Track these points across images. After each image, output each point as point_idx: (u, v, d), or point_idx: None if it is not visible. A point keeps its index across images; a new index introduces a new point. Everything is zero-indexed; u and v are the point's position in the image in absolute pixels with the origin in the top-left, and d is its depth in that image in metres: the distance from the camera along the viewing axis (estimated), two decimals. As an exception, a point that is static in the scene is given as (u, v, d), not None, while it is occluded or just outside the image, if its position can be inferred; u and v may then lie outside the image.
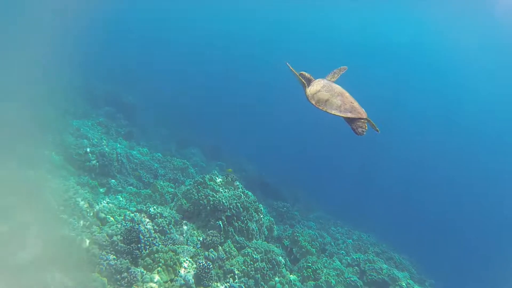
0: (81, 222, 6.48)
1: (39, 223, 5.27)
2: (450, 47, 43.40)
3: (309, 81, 4.13)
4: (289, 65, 4.15)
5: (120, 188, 9.85)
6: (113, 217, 7.44)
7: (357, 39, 53.59)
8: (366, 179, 24.26)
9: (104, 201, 7.96)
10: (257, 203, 9.00)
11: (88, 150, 10.07)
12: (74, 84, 15.87)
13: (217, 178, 8.91)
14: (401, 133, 33.44)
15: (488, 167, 31.35)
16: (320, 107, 3.70)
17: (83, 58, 21.36)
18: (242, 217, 8.37)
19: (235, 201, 8.32)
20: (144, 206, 7.52)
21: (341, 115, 3.56)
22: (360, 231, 15.73)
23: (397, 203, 21.82)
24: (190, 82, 32.72)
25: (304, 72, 4.21)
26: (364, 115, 3.53)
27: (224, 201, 8.07)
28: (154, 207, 7.55)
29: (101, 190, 9.54)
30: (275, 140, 25.94)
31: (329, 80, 4.12)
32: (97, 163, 10.03)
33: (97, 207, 7.30)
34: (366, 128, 3.50)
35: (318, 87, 3.86)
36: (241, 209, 8.35)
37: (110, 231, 6.49)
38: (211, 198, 8.08)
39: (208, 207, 8.04)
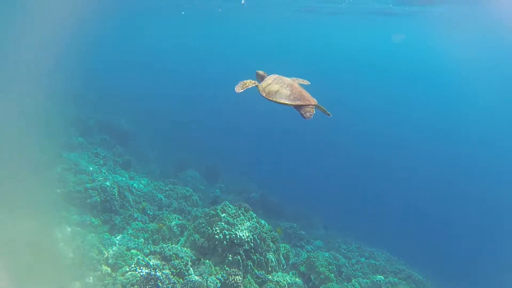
0: (92, 274, 5.93)
1: (50, 283, 4.73)
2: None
3: (262, 78, 4.33)
4: (239, 90, 4.25)
5: (124, 225, 9.28)
6: (124, 261, 6.90)
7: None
8: (362, 188, 24.12)
9: (112, 245, 7.40)
10: (273, 232, 8.58)
11: (88, 186, 9.51)
12: (65, 114, 15.27)
13: (229, 209, 8.47)
14: (399, 141, 33.73)
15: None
16: (270, 98, 3.86)
17: (69, 87, 20.87)
18: (259, 249, 7.94)
19: (251, 233, 7.89)
20: (158, 248, 7.00)
21: (290, 103, 3.72)
22: (368, 245, 15.44)
23: (397, 211, 21.61)
24: (180, 102, 32.29)
25: (259, 71, 4.45)
26: (313, 102, 3.72)
27: (240, 234, 7.64)
28: (169, 247, 7.04)
29: (105, 228, 8.95)
30: (273, 156, 25.62)
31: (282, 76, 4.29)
32: (99, 199, 9.47)
33: (106, 253, 6.75)
34: (314, 112, 3.66)
35: (269, 81, 4.06)
36: (258, 241, 7.93)
37: (124, 280, 5.96)
38: (226, 232, 7.63)
39: (225, 242, 7.58)
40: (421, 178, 26.20)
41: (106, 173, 10.86)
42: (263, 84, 4.11)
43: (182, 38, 54.97)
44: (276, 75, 4.21)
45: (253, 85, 4.26)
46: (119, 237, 8.25)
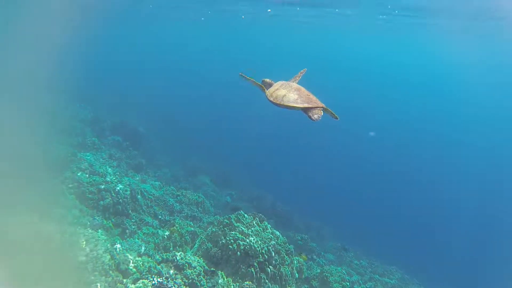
0: (104, 280, 5.75)
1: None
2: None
3: (270, 85, 4.42)
4: (243, 75, 4.40)
5: (136, 229, 9.13)
6: (135, 268, 6.71)
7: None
8: (374, 201, 23.62)
9: (124, 250, 7.24)
10: (288, 245, 8.31)
11: (101, 187, 9.41)
12: (80, 114, 15.36)
13: (244, 218, 8.24)
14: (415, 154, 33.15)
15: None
16: (278, 102, 3.92)
17: (84, 87, 21.11)
18: (274, 262, 7.67)
19: (266, 244, 7.64)
20: (170, 256, 6.80)
21: (298, 106, 3.78)
22: (379, 261, 15.02)
23: (411, 226, 21.04)
24: (193, 106, 32.40)
25: (265, 79, 4.54)
26: (321, 105, 3.79)
27: (255, 245, 7.39)
28: (181, 255, 6.83)
29: (116, 231, 8.80)
30: (285, 163, 25.36)
31: (289, 81, 4.38)
32: (111, 202, 9.35)
33: (118, 258, 6.58)
34: (322, 114, 3.73)
35: (277, 87, 4.17)
36: (273, 253, 7.66)
37: (136, 288, 5.77)
38: (241, 243, 7.40)
39: (238, 253, 7.35)
40: (435, 192, 25.56)
41: (119, 175, 10.77)
42: (271, 89, 4.19)
43: (199, 43, 55.49)
44: (283, 81, 4.29)
45: (259, 85, 4.39)
46: (131, 241, 8.08)
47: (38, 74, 14.35)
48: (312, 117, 3.73)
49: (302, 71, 4.73)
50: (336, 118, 3.95)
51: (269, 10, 19.42)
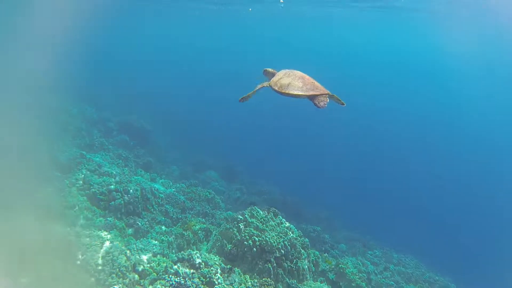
0: (121, 282, 5.68)
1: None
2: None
3: (272, 75, 4.33)
4: (243, 99, 4.37)
5: (148, 228, 9.06)
6: (151, 268, 6.64)
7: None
8: (383, 190, 23.40)
9: (138, 250, 7.17)
10: (303, 238, 8.20)
11: (112, 188, 9.33)
12: (86, 115, 15.27)
13: (258, 214, 8.13)
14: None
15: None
16: (283, 91, 3.84)
17: (88, 87, 21.00)
18: (290, 257, 7.56)
19: (282, 239, 7.52)
20: (186, 255, 6.70)
21: (303, 93, 3.72)
22: (392, 250, 14.88)
23: (422, 214, 20.80)
24: (197, 102, 32.24)
25: (267, 68, 4.47)
26: (326, 91, 3.72)
27: (271, 241, 7.28)
28: (197, 254, 6.74)
29: (129, 231, 8.75)
30: (292, 155, 25.15)
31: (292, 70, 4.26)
32: (123, 202, 9.28)
33: (133, 259, 6.50)
34: (327, 101, 3.68)
35: (280, 75, 4.09)
36: (289, 248, 7.55)
37: (154, 289, 5.69)
38: (256, 239, 7.29)
39: (254, 249, 7.24)
40: (447, 182, 25.23)
41: (129, 175, 10.69)
42: (274, 79, 4.11)
43: (204, 38, 55.05)
44: (287, 70, 4.20)
45: (262, 87, 4.28)
46: (144, 241, 8.02)
47: (42, 74, 14.26)
48: (318, 105, 3.68)
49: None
50: (343, 104, 3.90)
51: (282, 0, 19.01)
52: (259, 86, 4.36)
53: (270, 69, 4.47)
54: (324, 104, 3.67)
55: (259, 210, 8.32)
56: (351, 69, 55.76)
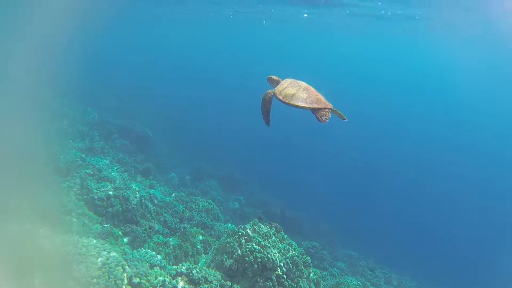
0: (117, 295, 5.41)
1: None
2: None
3: (277, 83, 4.34)
4: (267, 121, 4.49)
5: (146, 237, 8.78)
6: (148, 282, 6.37)
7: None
8: (383, 208, 23.17)
9: (135, 260, 6.90)
10: (305, 256, 7.94)
11: (111, 194, 9.09)
12: (86, 118, 15.08)
13: (260, 228, 7.88)
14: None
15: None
16: (287, 101, 3.87)
17: (89, 90, 20.89)
18: (292, 275, 7.30)
19: (284, 257, 7.28)
20: (185, 269, 6.45)
21: (307, 106, 3.74)
22: (392, 270, 14.61)
23: (423, 234, 20.51)
24: (199, 107, 32.12)
25: (272, 76, 4.49)
26: (329, 106, 3.74)
27: (273, 258, 7.03)
28: (197, 269, 6.48)
29: (125, 240, 8.48)
30: (292, 167, 24.93)
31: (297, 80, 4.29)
32: (121, 209, 9.03)
33: (130, 271, 6.24)
34: (330, 116, 3.70)
35: (285, 85, 4.08)
36: (291, 266, 7.30)
37: (150, 305, 5.42)
38: (258, 255, 7.04)
39: (255, 265, 6.98)
40: (448, 198, 25.01)
41: (128, 181, 10.44)
42: (279, 87, 4.12)
43: (207, 45, 55.29)
44: (292, 79, 4.21)
45: (271, 99, 4.28)
46: (141, 251, 7.73)
47: (43, 76, 14.12)
48: (320, 119, 3.69)
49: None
50: (344, 119, 3.91)
51: (305, 15, 19.07)
52: (267, 102, 4.35)
53: (275, 77, 4.47)
54: (326, 118, 3.68)
55: (261, 224, 8.08)
56: (357, 82, 56.09)
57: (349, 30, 29.02)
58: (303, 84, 4.06)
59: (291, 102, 3.84)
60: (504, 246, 19.59)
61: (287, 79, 4.30)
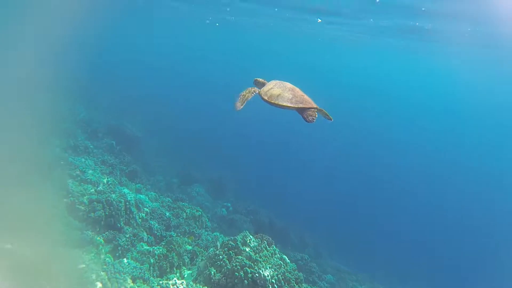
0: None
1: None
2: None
3: (263, 85, 4.32)
4: (239, 106, 4.17)
5: (129, 246, 8.27)
6: (130, 296, 5.90)
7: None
8: (372, 217, 23.07)
9: (116, 272, 6.42)
10: (297, 272, 7.60)
11: (93, 198, 8.56)
12: (74, 115, 14.44)
13: (251, 242, 7.51)
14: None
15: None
16: (272, 101, 3.84)
17: (78, 88, 20.16)
18: (283, 292, 6.93)
19: (276, 272, 6.91)
20: (170, 283, 6.01)
21: (292, 105, 3.70)
22: (380, 284, 14.49)
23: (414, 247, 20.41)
24: (188, 110, 31.59)
25: (258, 78, 4.45)
26: (315, 105, 3.72)
27: (265, 274, 6.66)
28: (184, 284, 6.05)
29: (107, 248, 7.95)
30: (280, 173, 24.66)
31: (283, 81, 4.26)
32: (103, 214, 8.49)
33: (109, 286, 5.76)
34: (316, 116, 3.65)
35: (271, 86, 4.08)
36: (283, 282, 6.93)
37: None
38: (248, 270, 6.65)
39: (246, 281, 6.60)
40: (446, 215, 25.10)
41: (112, 184, 9.91)
42: (265, 88, 4.11)
43: (201, 47, 54.82)
44: (277, 81, 4.21)
45: (254, 94, 4.21)
46: (123, 262, 7.24)
47: (30, 73, 13.46)
48: (307, 119, 3.65)
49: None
50: (330, 119, 3.89)
51: (319, 20, 18.87)
52: (249, 92, 4.24)
53: (260, 79, 4.45)
54: (313, 118, 3.63)
55: (251, 237, 7.70)
56: (349, 89, 56.57)
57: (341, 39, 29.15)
58: (289, 85, 4.05)
59: (276, 102, 3.81)
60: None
61: (272, 80, 4.28)
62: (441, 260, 18.95)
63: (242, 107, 4.18)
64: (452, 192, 28.95)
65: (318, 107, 3.77)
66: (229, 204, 16.58)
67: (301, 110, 3.74)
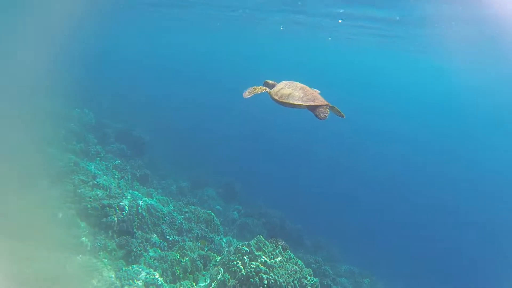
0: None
1: None
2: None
3: (273, 86, 4.33)
4: (247, 95, 4.23)
5: (142, 251, 8.19)
6: (143, 304, 5.79)
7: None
8: (386, 218, 22.64)
9: (129, 279, 6.32)
10: (313, 277, 7.39)
11: (105, 203, 8.50)
12: (83, 120, 14.50)
13: (265, 247, 7.33)
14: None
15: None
16: (284, 100, 3.83)
17: (87, 92, 20.34)
18: (299, 299, 6.74)
19: (292, 278, 6.73)
20: (185, 290, 5.87)
21: (304, 103, 3.69)
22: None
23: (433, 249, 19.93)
24: (199, 113, 31.62)
25: (268, 80, 4.46)
26: (326, 102, 3.70)
27: (280, 280, 6.48)
28: (198, 291, 5.91)
29: (120, 253, 7.87)
30: (291, 175, 24.40)
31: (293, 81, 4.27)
32: (116, 219, 8.43)
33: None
34: (328, 112, 3.62)
35: (281, 86, 4.10)
36: (299, 289, 6.75)
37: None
38: (264, 276, 6.48)
39: (261, 287, 6.43)
40: (460, 215, 24.51)
41: (124, 188, 9.87)
42: (275, 89, 4.13)
43: (215, 51, 54.95)
44: (287, 81, 4.22)
45: (263, 91, 4.28)
46: (136, 268, 7.15)
47: (40, 77, 13.58)
48: (319, 116, 3.62)
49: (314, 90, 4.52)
50: (342, 116, 3.86)
51: (340, 21, 18.61)
52: (259, 88, 4.31)
53: (270, 81, 4.47)
54: (325, 115, 3.61)
55: (266, 242, 7.52)
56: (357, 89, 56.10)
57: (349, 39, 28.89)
58: (299, 84, 4.05)
59: (287, 101, 3.79)
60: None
61: (282, 81, 4.29)
62: (461, 261, 18.47)
63: (249, 96, 4.26)
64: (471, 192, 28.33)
65: (330, 104, 3.74)
66: (240, 207, 16.42)
67: (313, 108, 3.71)
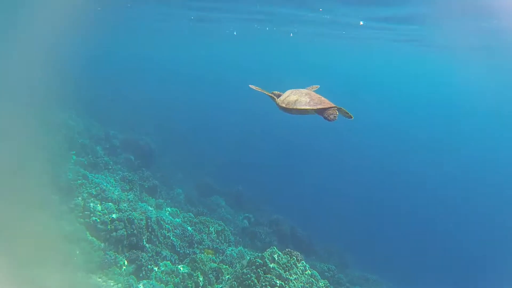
0: None
1: None
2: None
3: (278, 96, 4.39)
4: (253, 87, 4.48)
5: (152, 265, 8.02)
6: (156, 323, 5.60)
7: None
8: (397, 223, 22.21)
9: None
10: (330, 289, 7.15)
11: (114, 217, 8.37)
12: (90, 131, 14.48)
13: (280, 258, 7.11)
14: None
15: None
16: (291, 107, 3.91)
17: (93, 103, 20.42)
18: (316, 313, 6.50)
19: (308, 292, 6.49)
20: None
21: (311, 108, 3.75)
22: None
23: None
24: (205, 119, 31.59)
25: (275, 91, 4.51)
26: (333, 105, 3.74)
27: (297, 294, 6.25)
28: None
29: (130, 269, 7.71)
30: (299, 182, 24.12)
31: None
32: (125, 233, 8.28)
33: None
34: (337, 114, 3.68)
35: (287, 94, 4.18)
36: (316, 302, 6.50)
37: None
38: (279, 290, 6.26)
39: (277, 303, 6.20)
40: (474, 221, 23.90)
41: (133, 201, 9.75)
42: (281, 98, 4.20)
43: (224, 57, 55.06)
44: (292, 89, 4.29)
45: (269, 95, 4.39)
46: (147, 284, 6.97)
47: (47, 87, 13.58)
48: (328, 118, 3.68)
49: (314, 86, 4.64)
50: (351, 117, 3.85)
51: (362, 23, 18.44)
52: (267, 91, 4.44)
53: (277, 92, 4.52)
54: (334, 117, 3.66)
55: (280, 253, 7.31)
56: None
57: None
58: (304, 90, 4.13)
59: (295, 107, 3.85)
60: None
61: (287, 90, 4.35)
62: (477, 265, 17.95)
63: (254, 88, 4.46)
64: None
65: (337, 106, 3.77)
66: (250, 215, 16.20)
67: (321, 111, 3.77)
